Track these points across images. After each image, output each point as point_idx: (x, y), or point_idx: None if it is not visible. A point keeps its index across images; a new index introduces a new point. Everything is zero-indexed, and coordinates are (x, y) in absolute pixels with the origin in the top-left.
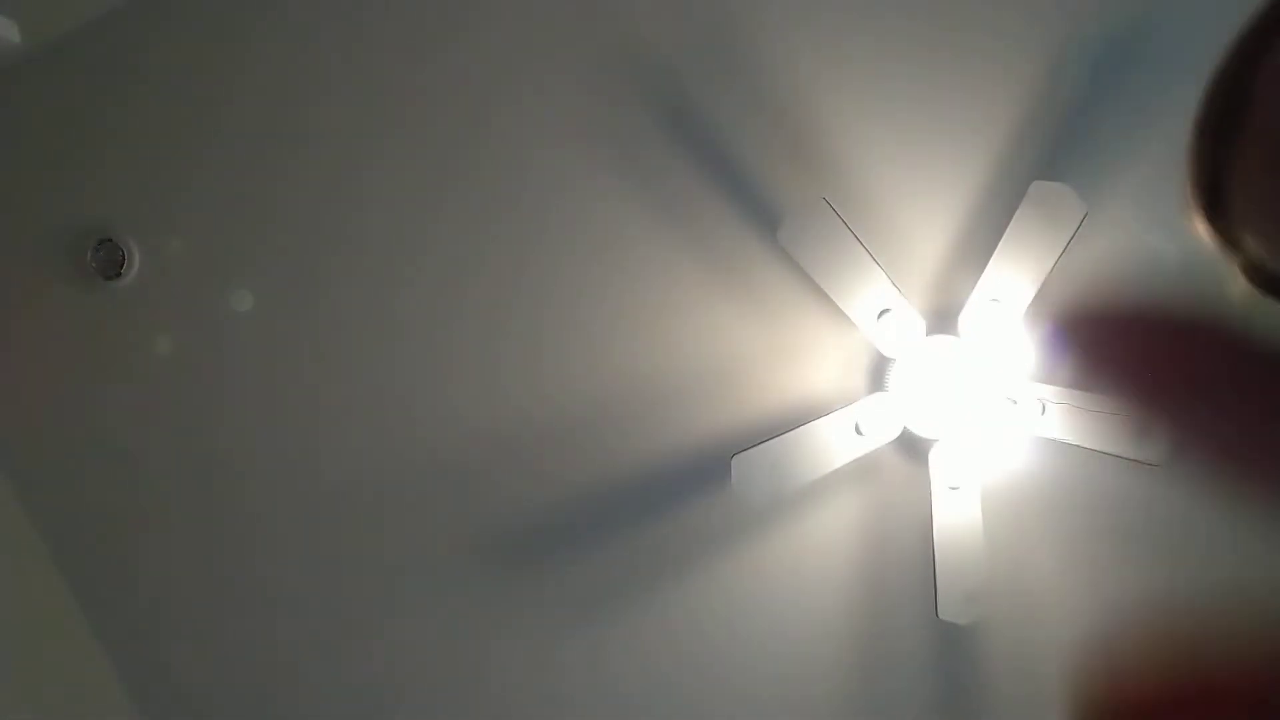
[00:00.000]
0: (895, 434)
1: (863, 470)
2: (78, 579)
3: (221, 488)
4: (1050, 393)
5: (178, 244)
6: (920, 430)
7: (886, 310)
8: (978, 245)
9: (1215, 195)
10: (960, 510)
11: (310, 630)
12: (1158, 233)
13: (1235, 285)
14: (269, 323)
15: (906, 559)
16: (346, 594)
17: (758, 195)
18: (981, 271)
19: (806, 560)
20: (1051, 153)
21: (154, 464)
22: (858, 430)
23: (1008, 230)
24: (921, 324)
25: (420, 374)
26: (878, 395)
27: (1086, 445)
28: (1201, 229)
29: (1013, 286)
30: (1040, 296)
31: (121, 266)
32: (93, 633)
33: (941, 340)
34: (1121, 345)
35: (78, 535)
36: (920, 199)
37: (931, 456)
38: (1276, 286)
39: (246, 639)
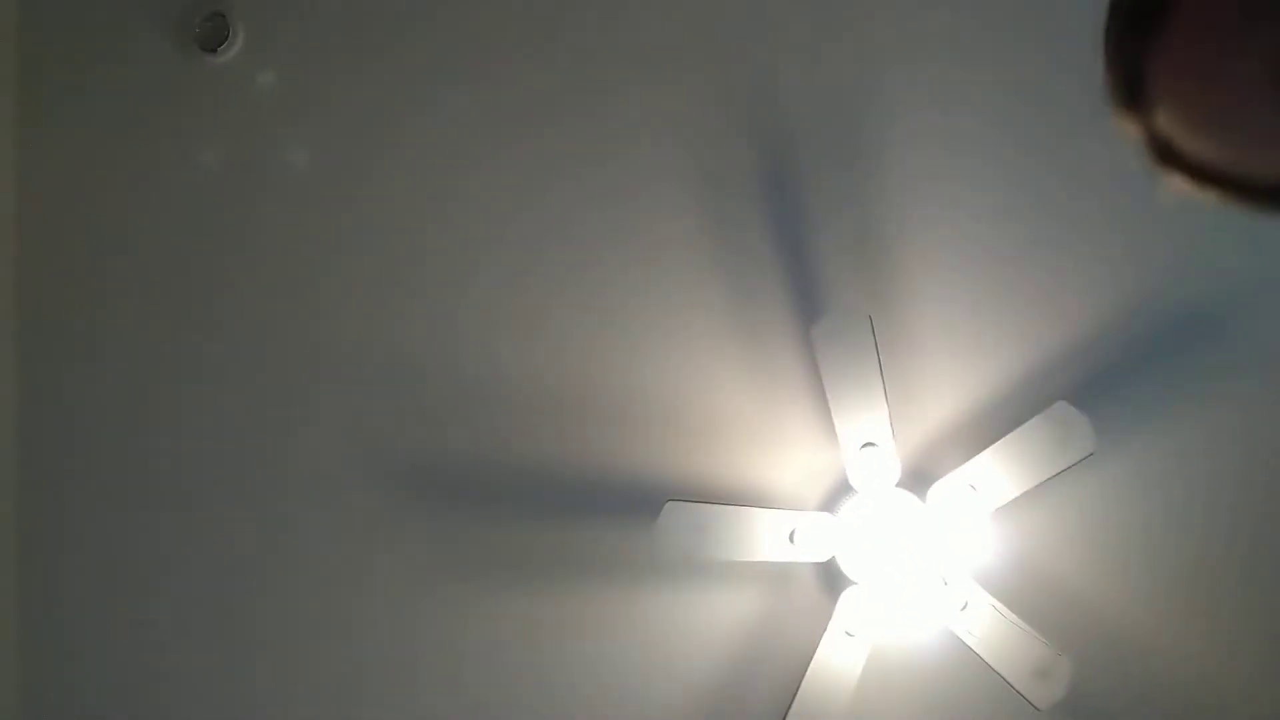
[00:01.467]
0: (822, 559)
1: (777, 574)
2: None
3: (199, 309)
4: (980, 596)
5: (281, 46)
6: (846, 567)
7: (872, 444)
8: (981, 433)
9: (1134, 85)
10: (844, 658)
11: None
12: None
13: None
14: (318, 166)
15: (776, 676)
16: (241, 485)
17: (811, 281)
18: (973, 457)
19: (687, 631)
20: (1088, 392)
21: (153, 240)
22: (791, 538)
23: (1016, 431)
24: (897, 473)
25: (431, 309)
26: (825, 515)
27: (985, 658)
28: (1122, 118)
29: (995, 482)
30: (1014, 504)
31: (221, 44)
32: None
33: (907, 497)
34: None
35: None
36: (954, 364)
37: (844, 595)
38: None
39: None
